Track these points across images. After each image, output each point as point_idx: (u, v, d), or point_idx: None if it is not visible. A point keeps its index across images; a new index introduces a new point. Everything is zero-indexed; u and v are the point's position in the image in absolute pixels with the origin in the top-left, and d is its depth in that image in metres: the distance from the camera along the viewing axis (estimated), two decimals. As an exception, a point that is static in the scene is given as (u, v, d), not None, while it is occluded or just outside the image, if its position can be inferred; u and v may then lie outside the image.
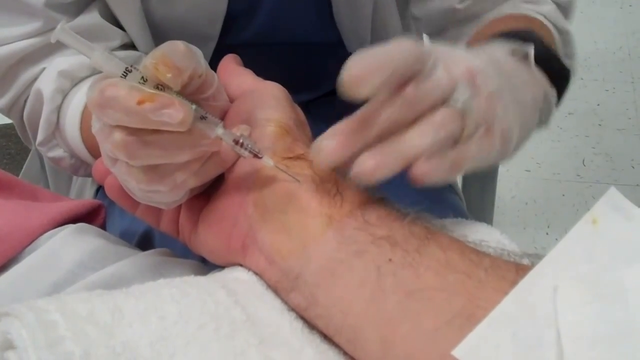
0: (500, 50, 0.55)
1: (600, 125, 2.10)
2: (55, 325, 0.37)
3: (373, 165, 0.44)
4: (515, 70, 0.55)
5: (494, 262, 0.40)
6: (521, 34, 0.61)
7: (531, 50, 0.57)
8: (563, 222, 1.87)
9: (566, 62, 0.62)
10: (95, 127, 0.46)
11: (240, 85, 0.55)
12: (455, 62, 0.47)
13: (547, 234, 1.85)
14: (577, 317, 0.34)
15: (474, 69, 0.47)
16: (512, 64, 0.55)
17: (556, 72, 0.61)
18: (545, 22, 0.78)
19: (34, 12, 0.71)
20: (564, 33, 0.79)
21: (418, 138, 0.45)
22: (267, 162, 0.47)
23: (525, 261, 0.41)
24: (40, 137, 0.75)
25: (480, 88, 0.47)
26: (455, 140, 0.46)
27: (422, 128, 0.45)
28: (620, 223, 0.38)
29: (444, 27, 0.85)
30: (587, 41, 2.47)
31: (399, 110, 0.45)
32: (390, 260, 0.41)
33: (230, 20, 0.80)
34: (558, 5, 0.80)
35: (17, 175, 1.00)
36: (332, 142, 0.45)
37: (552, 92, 0.61)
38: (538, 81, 0.58)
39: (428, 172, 0.45)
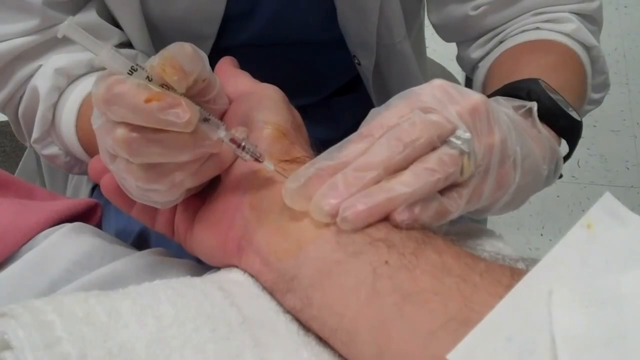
0: (504, 105, 0.55)
1: (595, 126, 2.11)
2: (52, 325, 0.37)
3: (365, 211, 0.43)
4: (521, 121, 0.54)
5: (489, 266, 0.41)
6: (525, 86, 0.60)
7: (534, 107, 0.56)
8: (557, 223, 1.88)
9: (573, 113, 0.60)
10: (97, 123, 0.46)
11: (237, 87, 0.55)
12: (457, 101, 0.46)
13: (541, 235, 1.86)
14: (572, 322, 0.35)
15: (479, 105, 0.47)
16: (517, 117, 0.54)
17: (563, 127, 0.60)
18: (571, 43, 0.76)
19: (31, 9, 0.71)
20: (592, 49, 0.77)
21: (407, 183, 0.44)
22: (268, 166, 0.47)
23: (521, 265, 0.41)
24: (35, 134, 0.75)
25: (482, 128, 0.46)
26: (452, 182, 0.46)
27: (414, 172, 0.44)
28: (615, 228, 0.38)
29: (462, 36, 0.85)
30: (582, 42, 2.47)
31: (395, 154, 0.44)
32: (386, 262, 0.41)
33: (228, 22, 0.80)
34: (583, 17, 0.78)
35: (13, 173, 0.99)
36: (334, 201, 0.44)
37: (558, 148, 0.59)
38: (543, 137, 0.56)
39: (407, 221, 0.44)
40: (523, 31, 0.78)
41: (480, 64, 0.83)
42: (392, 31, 0.83)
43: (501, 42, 0.80)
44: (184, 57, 0.44)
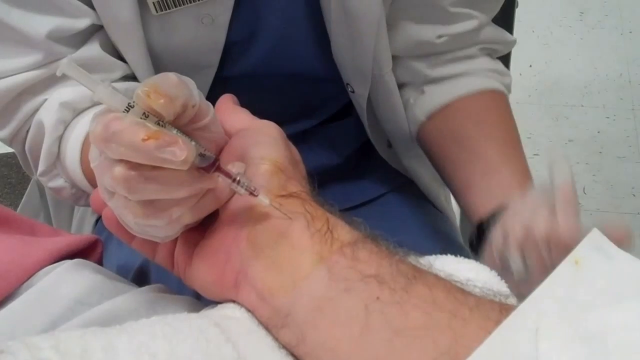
0: None
1: (600, 152, 2.11)
2: (49, 363, 0.38)
3: None
4: None
5: (479, 302, 0.41)
6: None
7: None
8: (564, 250, 1.86)
9: None
10: (95, 162, 0.47)
11: (236, 123, 0.56)
12: None
13: (547, 262, 1.85)
14: (558, 358, 0.35)
15: None
16: None
17: None
18: (503, 88, 0.87)
19: (35, 44, 0.71)
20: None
21: None
22: (263, 201, 0.48)
23: (511, 301, 0.42)
24: (41, 167, 0.76)
25: None
26: None
27: None
28: (602, 264, 0.38)
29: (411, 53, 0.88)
30: (587, 68, 2.48)
31: None
32: (377, 298, 0.42)
33: (229, 51, 0.81)
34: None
35: (18, 204, 1.00)
36: None
37: None
38: None
39: None
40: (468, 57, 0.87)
41: (419, 101, 0.88)
42: (382, 62, 0.84)
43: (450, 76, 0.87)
44: (167, 83, 0.45)
